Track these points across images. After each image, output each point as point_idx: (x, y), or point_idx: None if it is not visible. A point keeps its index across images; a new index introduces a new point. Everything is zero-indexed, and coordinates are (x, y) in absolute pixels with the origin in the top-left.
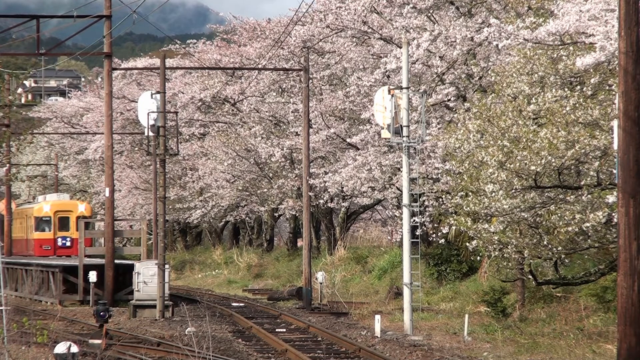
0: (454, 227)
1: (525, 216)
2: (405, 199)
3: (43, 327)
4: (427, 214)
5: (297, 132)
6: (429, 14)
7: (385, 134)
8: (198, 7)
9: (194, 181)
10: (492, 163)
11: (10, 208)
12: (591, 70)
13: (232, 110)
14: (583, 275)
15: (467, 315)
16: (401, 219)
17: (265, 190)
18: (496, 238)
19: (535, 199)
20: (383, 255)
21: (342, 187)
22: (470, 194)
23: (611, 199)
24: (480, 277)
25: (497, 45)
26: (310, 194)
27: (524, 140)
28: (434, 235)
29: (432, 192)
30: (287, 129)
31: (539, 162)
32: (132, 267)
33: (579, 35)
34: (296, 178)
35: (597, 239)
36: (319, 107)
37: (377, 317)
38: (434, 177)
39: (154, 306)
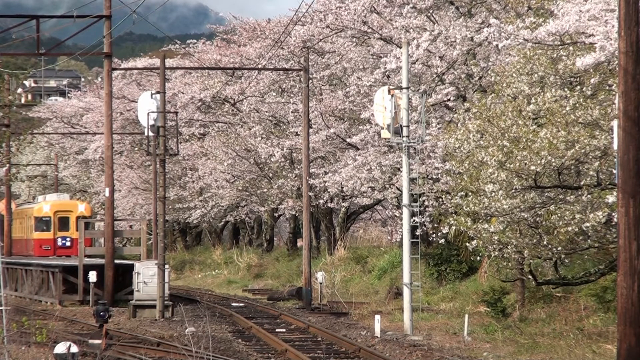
0: (454, 227)
1: (525, 216)
2: (405, 199)
3: (42, 326)
4: (427, 214)
5: (297, 132)
6: (429, 14)
7: (385, 134)
8: (198, 7)
9: (194, 181)
10: (492, 163)
11: (10, 208)
12: (591, 70)
13: (232, 110)
14: (583, 275)
15: (467, 315)
16: (401, 219)
17: (265, 190)
18: (496, 238)
19: (535, 199)
20: (383, 255)
21: (342, 187)
22: (470, 194)
23: (611, 199)
24: (480, 277)
25: (497, 45)
26: (310, 194)
27: (524, 140)
28: (434, 235)
29: (432, 192)
30: (287, 129)
31: (539, 162)
32: (132, 267)
33: (579, 35)
34: (296, 178)
35: (597, 239)
36: (319, 107)
37: (377, 317)
38: (434, 177)
39: (154, 306)
